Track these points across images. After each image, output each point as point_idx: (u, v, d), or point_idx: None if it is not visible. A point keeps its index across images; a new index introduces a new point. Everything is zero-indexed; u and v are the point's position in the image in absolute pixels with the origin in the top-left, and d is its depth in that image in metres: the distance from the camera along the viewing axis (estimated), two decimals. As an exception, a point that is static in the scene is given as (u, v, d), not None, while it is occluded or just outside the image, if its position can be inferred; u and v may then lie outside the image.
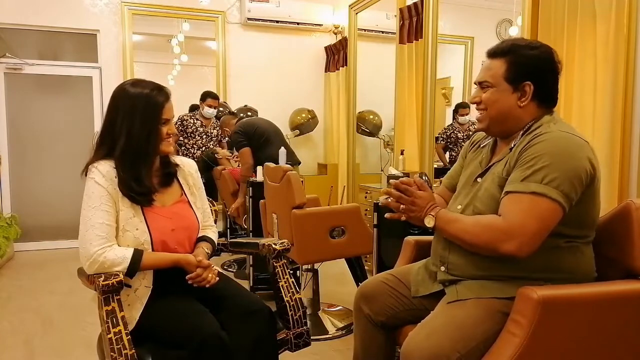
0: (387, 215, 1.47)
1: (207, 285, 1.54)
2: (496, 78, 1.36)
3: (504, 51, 1.36)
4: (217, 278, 1.57)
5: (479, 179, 1.44)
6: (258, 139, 3.64)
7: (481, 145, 1.54)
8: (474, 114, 1.46)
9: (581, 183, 1.24)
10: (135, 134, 1.49)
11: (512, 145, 1.36)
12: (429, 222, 1.38)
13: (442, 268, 1.43)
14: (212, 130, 4.53)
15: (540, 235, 1.22)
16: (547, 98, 1.37)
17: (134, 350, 1.34)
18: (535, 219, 1.21)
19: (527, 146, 1.29)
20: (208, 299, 1.55)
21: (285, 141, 3.88)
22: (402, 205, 1.41)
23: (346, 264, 2.89)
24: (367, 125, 5.06)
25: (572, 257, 1.30)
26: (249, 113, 4.76)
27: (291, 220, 2.56)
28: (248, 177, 3.58)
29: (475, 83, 1.43)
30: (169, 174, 1.63)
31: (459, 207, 1.44)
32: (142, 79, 1.57)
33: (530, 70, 1.33)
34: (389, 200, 1.44)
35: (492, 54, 1.39)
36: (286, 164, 3.15)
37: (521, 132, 1.36)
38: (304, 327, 1.68)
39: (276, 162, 3.25)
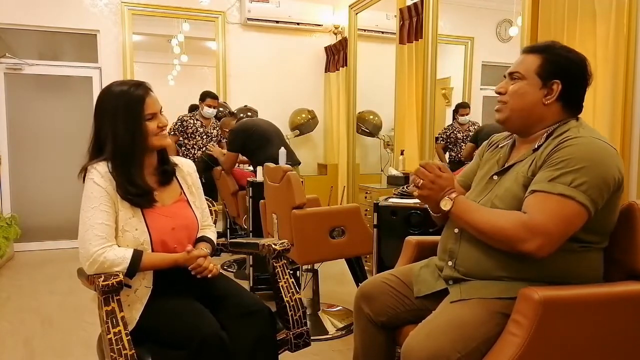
0: (411, 187, 1.44)
1: (209, 275, 1.54)
2: (528, 71, 1.37)
3: (540, 49, 1.39)
4: (218, 267, 1.57)
5: (495, 177, 1.44)
6: (257, 140, 3.65)
7: (499, 146, 1.54)
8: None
9: (608, 190, 1.24)
10: (119, 134, 1.48)
11: (536, 146, 1.35)
12: (445, 205, 1.36)
13: (450, 263, 1.43)
14: (212, 131, 4.52)
15: (562, 238, 1.22)
16: (572, 102, 1.37)
17: (133, 351, 1.34)
18: (560, 221, 1.21)
19: (556, 149, 1.28)
20: (208, 299, 1.55)
21: (286, 141, 3.88)
22: (420, 180, 1.40)
23: (346, 264, 2.89)
24: (367, 126, 5.06)
25: (583, 262, 1.30)
26: (249, 113, 4.76)
27: (291, 221, 2.56)
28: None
29: (504, 75, 1.44)
30: (167, 172, 1.63)
31: None
32: (126, 80, 1.58)
33: (562, 69, 1.35)
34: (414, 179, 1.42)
35: (529, 50, 1.42)
36: (286, 164, 3.14)
37: (545, 134, 1.36)
38: (304, 328, 1.68)
39: (276, 162, 3.25)
